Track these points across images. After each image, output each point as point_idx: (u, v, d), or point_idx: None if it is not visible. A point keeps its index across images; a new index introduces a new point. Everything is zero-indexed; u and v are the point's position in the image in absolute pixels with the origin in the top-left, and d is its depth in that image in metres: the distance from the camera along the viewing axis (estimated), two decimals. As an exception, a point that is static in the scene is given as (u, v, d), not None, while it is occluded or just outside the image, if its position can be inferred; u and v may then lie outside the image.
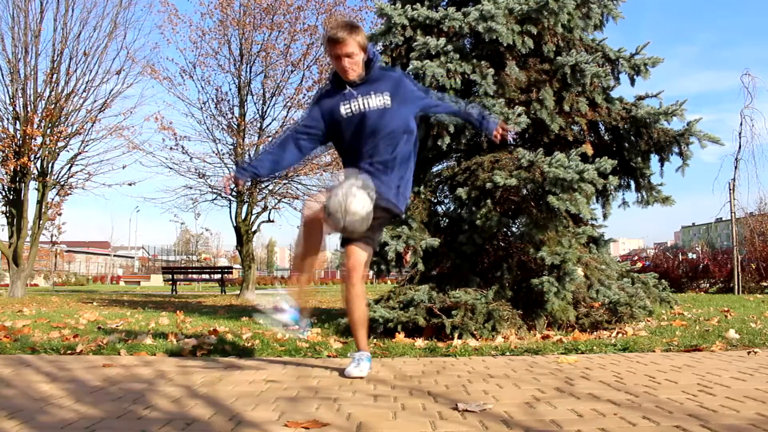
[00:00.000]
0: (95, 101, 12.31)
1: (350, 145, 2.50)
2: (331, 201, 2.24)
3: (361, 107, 2.45)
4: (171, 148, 11.89)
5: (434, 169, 4.75)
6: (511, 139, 2.50)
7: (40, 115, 11.44)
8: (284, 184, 12.25)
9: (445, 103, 2.83)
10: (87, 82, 12.09)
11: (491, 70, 4.21)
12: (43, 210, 11.86)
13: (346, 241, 2.56)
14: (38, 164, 11.87)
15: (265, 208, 12.37)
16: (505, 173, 3.89)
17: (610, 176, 3.97)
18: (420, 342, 3.45)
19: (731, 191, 10.83)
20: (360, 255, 2.53)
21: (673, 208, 4.70)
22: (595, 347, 3.23)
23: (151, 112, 28.29)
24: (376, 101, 2.45)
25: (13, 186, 11.56)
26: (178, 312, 6.13)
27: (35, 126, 11.26)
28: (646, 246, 70.83)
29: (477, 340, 3.54)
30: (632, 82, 4.56)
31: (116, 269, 49.56)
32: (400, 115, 2.48)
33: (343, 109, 2.46)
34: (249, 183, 3.01)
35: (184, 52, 15.20)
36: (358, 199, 2.21)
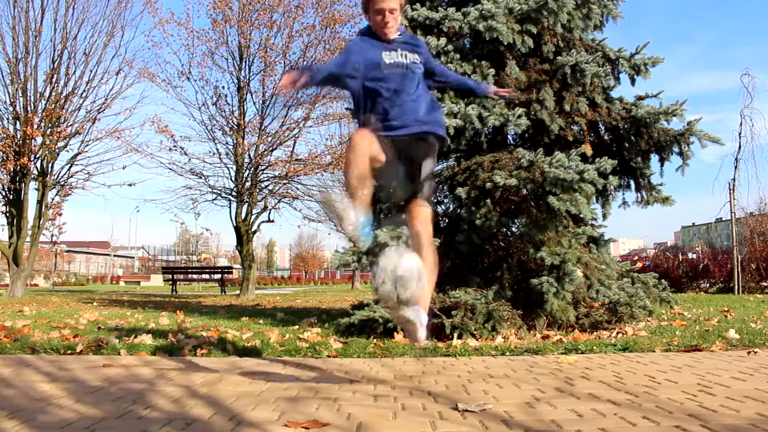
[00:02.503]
0: (95, 101, 12.33)
1: (382, 92, 2.43)
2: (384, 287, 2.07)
3: (402, 59, 2.47)
4: (170, 150, 11.91)
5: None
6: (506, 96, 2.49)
7: (40, 115, 11.44)
8: (284, 184, 12.26)
9: (448, 73, 2.87)
10: (87, 83, 12.11)
11: (492, 70, 4.21)
12: (43, 210, 11.86)
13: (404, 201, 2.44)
14: (38, 164, 11.87)
15: (265, 208, 12.37)
16: (505, 173, 3.89)
17: (610, 176, 3.97)
18: (420, 342, 3.44)
19: (731, 191, 10.83)
20: (426, 211, 2.42)
21: (673, 208, 4.70)
22: (595, 347, 3.23)
23: (151, 113, 28.34)
24: (412, 57, 2.49)
25: (13, 186, 11.55)
26: (178, 312, 6.13)
27: (35, 126, 11.26)
28: (646, 246, 70.89)
29: (477, 340, 3.54)
30: (632, 82, 4.56)
31: (116, 269, 49.57)
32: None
33: (387, 57, 2.44)
34: (308, 88, 2.71)
35: (178, 54, 15.14)
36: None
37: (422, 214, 2.42)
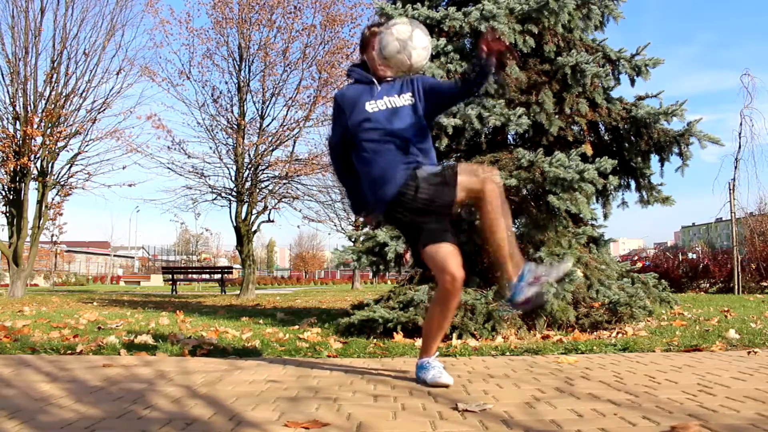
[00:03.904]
0: (95, 101, 12.33)
1: (377, 140, 2.40)
2: (389, 44, 2.19)
3: (388, 105, 2.42)
4: (168, 148, 11.92)
5: (434, 169, 4.74)
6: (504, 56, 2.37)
7: (40, 115, 11.44)
8: (284, 184, 12.26)
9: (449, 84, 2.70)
10: (87, 82, 12.12)
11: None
12: (43, 210, 11.86)
13: (428, 240, 2.30)
14: (38, 164, 11.88)
15: (265, 208, 12.37)
16: (504, 173, 3.89)
17: (610, 176, 3.97)
18: (420, 342, 3.44)
19: (731, 191, 10.83)
20: (456, 253, 2.26)
21: (673, 208, 4.70)
22: (595, 347, 3.23)
23: (149, 112, 28.38)
24: (401, 101, 2.44)
25: (13, 186, 11.56)
26: (178, 312, 6.13)
27: (35, 126, 11.26)
28: (646, 246, 70.91)
29: (477, 340, 3.54)
30: (632, 82, 4.56)
31: (116, 269, 49.59)
32: (418, 110, 2.45)
33: (369, 107, 2.42)
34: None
35: (179, 54, 15.19)
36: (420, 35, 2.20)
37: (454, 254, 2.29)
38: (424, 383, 2.32)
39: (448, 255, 2.24)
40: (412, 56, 2.21)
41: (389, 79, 2.46)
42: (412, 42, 2.20)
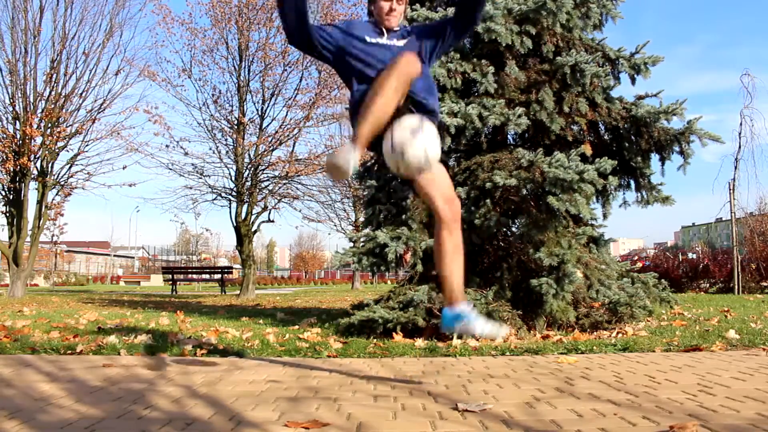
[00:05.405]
0: (95, 101, 12.33)
1: (367, 64, 2.38)
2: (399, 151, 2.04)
3: (390, 42, 2.45)
4: (167, 147, 11.91)
5: (434, 169, 4.73)
6: None
7: (39, 115, 11.44)
8: (284, 184, 12.26)
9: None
10: (86, 82, 12.12)
11: (491, 68, 4.21)
12: (43, 210, 11.86)
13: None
14: (38, 164, 11.87)
15: (265, 208, 12.37)
16: (504, 173, 3.89)
17: (610, 176, 3.96)
18: (420, 342, 3.45)
19: (731, 191, 10.83)
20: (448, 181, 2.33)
21: (673, 208, 4.70)
22: (595, 347, 3.23)
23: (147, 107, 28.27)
24: (400, 43, 2.47)
25: (13, 186, 11.56)
26: (178, 312, 6.13)
27: (35, 126, 11.26)
28: (646, 246, 70.88)
29: (477, 340, 3.54)
30: (632, 81, 4.55)
31: (116, 269, 49.61)
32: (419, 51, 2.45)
33: (369, 39, 2.42)
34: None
35: (180, 53, 15.18)
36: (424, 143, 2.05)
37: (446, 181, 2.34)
38: (471, 335, 2.24)
39: (445, 182, 2.30)
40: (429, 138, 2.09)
41: (396, 29, 2.50)
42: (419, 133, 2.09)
